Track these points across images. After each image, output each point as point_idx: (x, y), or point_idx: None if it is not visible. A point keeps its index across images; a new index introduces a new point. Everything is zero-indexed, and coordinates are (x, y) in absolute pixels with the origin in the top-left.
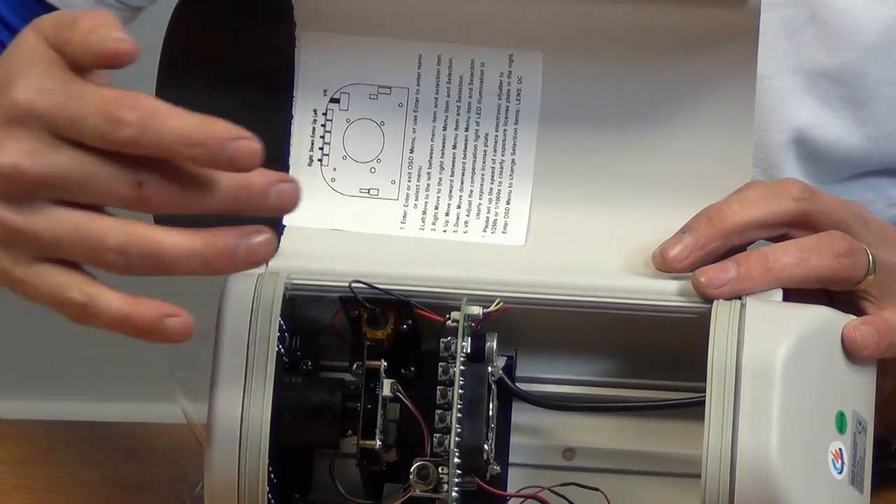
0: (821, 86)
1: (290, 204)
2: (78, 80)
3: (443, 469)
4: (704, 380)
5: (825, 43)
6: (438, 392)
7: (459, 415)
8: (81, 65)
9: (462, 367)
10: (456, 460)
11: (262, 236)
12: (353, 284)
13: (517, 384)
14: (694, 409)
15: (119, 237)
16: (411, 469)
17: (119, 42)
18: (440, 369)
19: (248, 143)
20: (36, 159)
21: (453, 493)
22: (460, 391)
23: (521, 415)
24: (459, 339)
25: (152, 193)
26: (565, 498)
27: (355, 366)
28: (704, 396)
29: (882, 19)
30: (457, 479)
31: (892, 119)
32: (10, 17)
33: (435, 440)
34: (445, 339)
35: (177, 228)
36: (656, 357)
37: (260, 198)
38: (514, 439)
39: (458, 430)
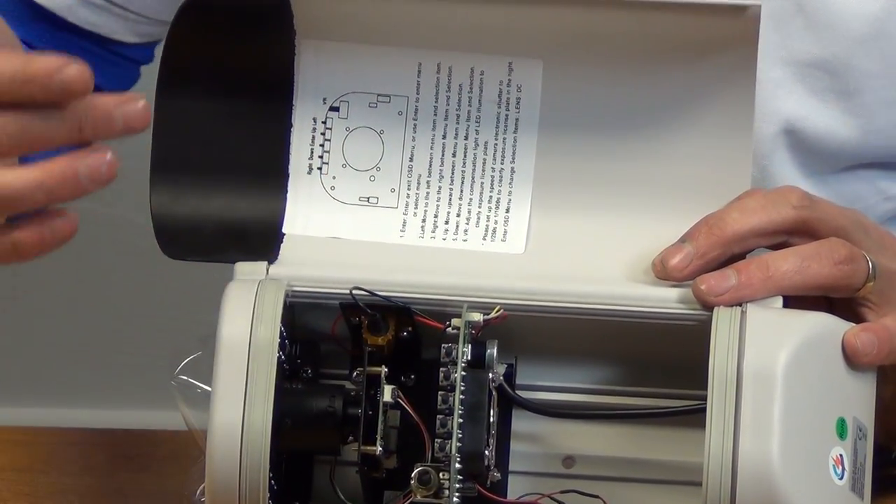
0: (810, 76)
1: (140, 123)
2: None
3: (444, 475)
4: (704, 387)
5: (813, 34)
6: (439, 397)
7: (460, 420)
8: None
9: (463, 373)
10: (457, 466)
11: (96, 154)
12: (354, 291)
13: (517, 392)
14: (694, 417)
15: None
16: (412, 474)
17: None
18: (441, 375)
19: (77, 67)
20: None
21: (454, 499)
22: (461, 397)
23: (522, 422)
24: (461, 345)
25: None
26: None
27: (356, 373)
28: (705, 404)
29: (870, 11)
30: (458, 485)
31: (883, 110)
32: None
33: (436, 445)
34: (446, 345)
35: (21, 164)
36: (656, 364)
37: (106, 121)
38: (514, 447)
39: (459, 435)
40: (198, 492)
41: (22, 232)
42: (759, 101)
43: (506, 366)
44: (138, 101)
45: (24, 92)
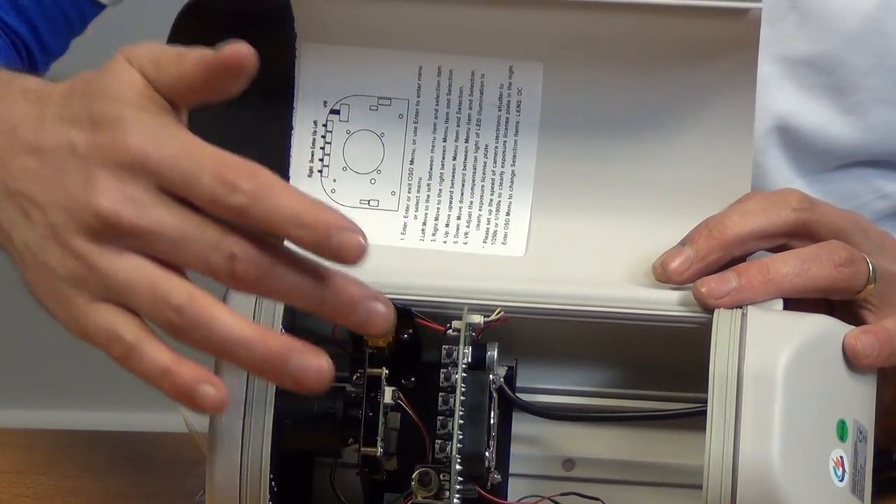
0: (802, 73)
1: (378, 326)
2: (189, 134)
3: (444, 476)
4: (705, 390)
5: (807, 31)
6: (440, 398)
7: (461, 421)
8: (181, 105)
9: (464, 375)
10: (457, 467)
11: (317, 361)
12: None
13: (517, 394)
14: (694, 420)
15: (182, 297)
16: (413, 475)
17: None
18: (442, 376)
19: (357, 236)
20: (138, 210)
21: (455, 500)
22: (462, 398)
23: (522, 425)
24: (461, 346)
25: (241, 269)
26: None
27: (356, 376)
28: (705, 406)
29: (864, 8)
30: (458, 487)
31: (875, 108)
32: None
33: (436, 447)
34: (447, 347)
35: (239, 315)
36: (657, 367)
37: (348, 308)
38: (515, 449)
39: (460, 436)
40: (199, 494)
41: (181, 372)
42: None
43: (506, 368)
44: (384, 303)
45: (295, 234)
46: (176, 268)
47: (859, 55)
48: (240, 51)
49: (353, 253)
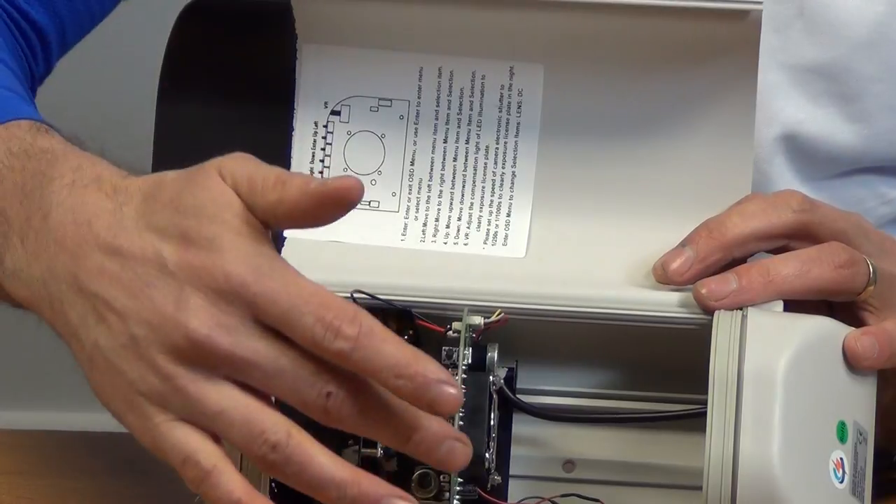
0: (808, 81)
1: (456, 464)
2: (288, 266)
3: (444, 477)
4: (705, 391)
5: (813, 38)
6: None
7: (461, 423)
8: (273, 227)
9: (464, 376)
10: None
11: None
12: (355, 294)
13: (518, 395)
14: (694, 421)
15: (280, 435)
16: (413, 477)
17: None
18: None
19: (454, 391)
20: (232, 338)
21: (454, 501)
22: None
23: (522, 426)
24: (461, 348)
25: (335, 407)
26: None
27: None
28: (705, 408)
29: (871, 15)
30: (458, 488)
31: (881, 115)
32: None
33: None
34: (447, 348)
35: (333, 455)
36: (657, 368)
37: (431, 447)
38: (515, 451)
39: None
40: (197, 497)
41: None
42: (757, 105)
43: (506, 369)
44: (464, 442)
45: (393, 383)
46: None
47: (866, 62)
48: (351, 185)
49: (448, 405)
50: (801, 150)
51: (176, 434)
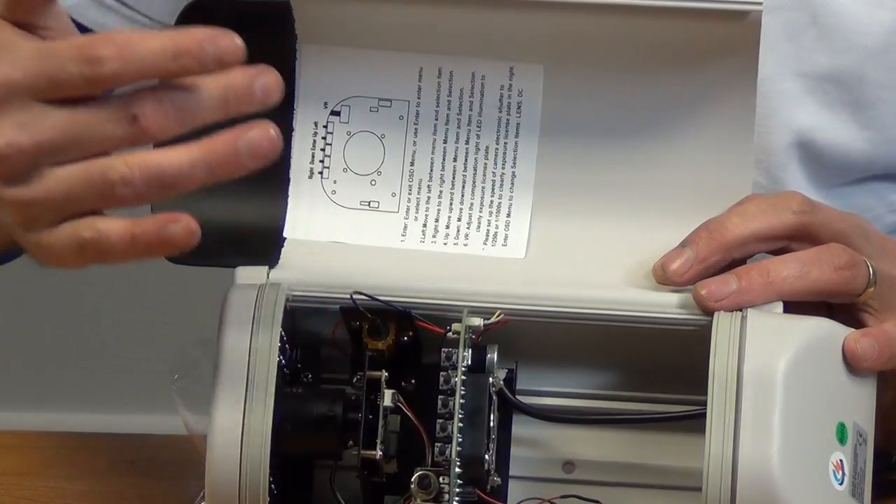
0: (822, 88)
1: (275, 94)
2: (44, 40)
3: (444, 479)
4: (704, 393)
5: (826, 45)
6: (440, 401)
7: (461, 424)
8: (37, 22)
9: (463, 377)
10: (457, 470)
11: (258, 129)
12: (355, 295)
13: (517, 397)
14: (694, 422)
15: (121, 169)
16: (412, 478)
17: None
18: (441, 378)
19: (228, 37)
20: (28, 130)
21: (454, 503)
22: (461, 401)
23: (522, 427)
24: (461, 349)
25: (148, 123)
26: None
27: (356, 378)
28: (705, 409)
29: (884, 22)
30: (458, 489)
31: (894, 122)
32: None
33: (436, 449)
34: (447, 349)
35: (175, 145)
36: (656, 370)
37: (247, 95)
38: (515, 452)
39: (459, 439)
40: (198, 497)
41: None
42: (770, 113)
43: (506, 371)
44: (270, 72)
45: (176, 66)
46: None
47: (879, 70)
48: None
49: (231, 50)
50: (814, 158)
51: (61, 235)
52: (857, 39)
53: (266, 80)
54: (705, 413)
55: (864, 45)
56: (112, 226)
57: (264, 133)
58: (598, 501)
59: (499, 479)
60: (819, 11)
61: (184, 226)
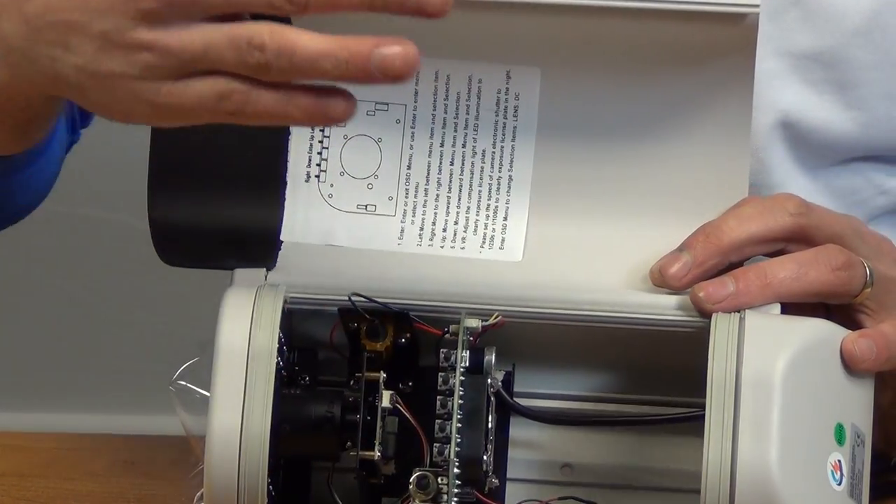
0: (806, 68)
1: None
2: None
3: (442, 479)
4: (702, 395)
5: (809, 26)
6: (438, 402)
7: (459, 425)
8: None
9: (462, 378)
10: (455, 471)
11: (398, 45)
12: (353, 297)
13: (515, 399)
14: (692, 425)
15: (263, 34)
16: (411, 479)
17: None
18: (440, 379)
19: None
20: None
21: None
22: (460, 401)
23: (519, 430)
24: (459, 350)
25: None
26: None
27: (353, 381)
28: (703, 411)
29: (866, 3)
30: (456, 490)
31: (879, 102)
32: None
33: (434, 450)
34: (445, 350)
35: (311, 33)
36: (654, 372)
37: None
38: (512, 454)
39: (458, 439)
40: (195, 497)
41: (299, 97)
42: (755, 93)
43: (503, 373)
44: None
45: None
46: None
47: (862, 50)
48: None
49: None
50: (798, 138)
51: (194, 86)
52: (839, 20)
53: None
54: (703, 415)
55: (847, 26)
56: (263, 89)
57: (401, 52)
58: (595, 503)
59: (497, 481)
60: None
61: (346, 104)
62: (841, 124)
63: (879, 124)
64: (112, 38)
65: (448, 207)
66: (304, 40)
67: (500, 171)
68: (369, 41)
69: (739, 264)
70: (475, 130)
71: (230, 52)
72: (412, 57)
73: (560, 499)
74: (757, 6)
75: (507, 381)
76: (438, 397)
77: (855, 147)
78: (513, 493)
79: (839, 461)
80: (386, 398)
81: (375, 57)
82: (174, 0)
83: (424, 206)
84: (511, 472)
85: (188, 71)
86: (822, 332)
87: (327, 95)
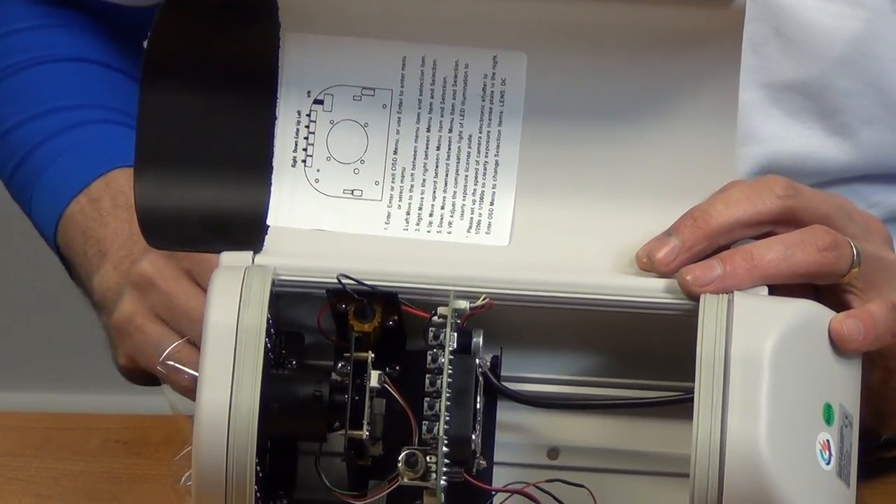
0: (787, 98)
1: None
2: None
3: (431, 458)
4: (690, 378)
5: (791, 57)
6: (427, 380)
7: (448, 403)
8: None
9: (450, 357)
10: (444, 449)
11: None
12: (341, 277)
13: (502, 383)
14: (680, 408)
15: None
16: (399, 457)
17: None
18: (429, 358)
19: None
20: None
21: (441, 481)
22: (448, 380)
23: (507, 413)
24: (448, 329)
25: None
26: (551, 494)
27: (340, 365)
28: (691, 394)
29: (847, 33)
30: (444, 469)
31: (862, 129)
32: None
33: (423, 428)
34: (434, 329)
35: None
36: (642, 355)
37: None
38: (499, 438)
39: (447, 417)
40: (183, 478)
41: None
42: (736, 124)
43: (491, 356)
44: None
45: None
46: None
47: (845, 78)
48: None
49: None
50: (783, 168)
51: (153, 326)
52: (822, 50)
53: None
54: (692, 398)
55: (829, 56)
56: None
57: None
58: (583, 486)
59: (484, 463)
60: (781, 23)
61: None
62: (826, 151)
63: (865, 148)
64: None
65: (434, 192)
66: None
67: (486, 156)
68: None
69: (727, 247)
70: (462, 115)
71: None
72: None
73: (547, 481)
74: None
75: (495, 365)
76: (427, 376)
77: (842, 172)
78: (500, 477)
79: (828, 441)
80: (374, 378)
81: None
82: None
83: (411, 190)
84: (498, 456)
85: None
86: (810, 312)
87: None
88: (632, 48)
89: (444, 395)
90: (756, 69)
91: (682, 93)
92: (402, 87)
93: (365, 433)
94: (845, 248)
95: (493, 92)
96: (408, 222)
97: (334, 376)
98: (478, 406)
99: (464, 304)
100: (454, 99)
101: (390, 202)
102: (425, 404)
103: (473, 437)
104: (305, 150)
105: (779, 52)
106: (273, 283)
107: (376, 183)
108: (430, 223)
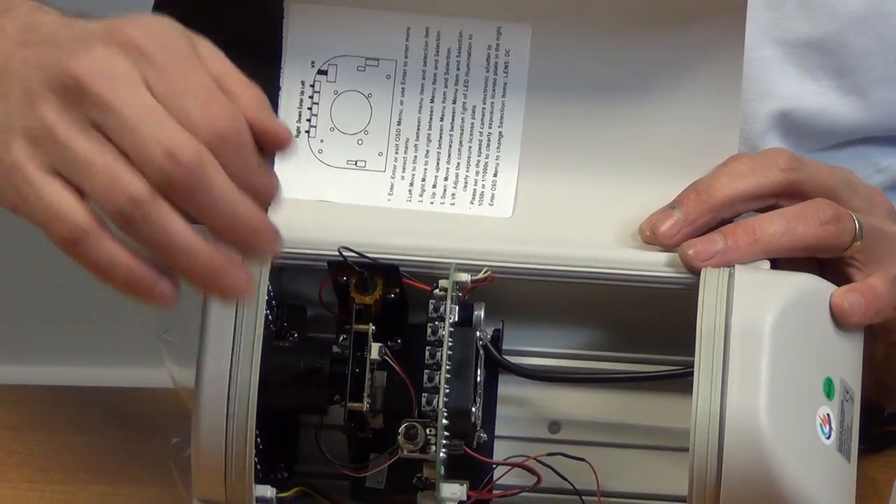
0: (802, 55)
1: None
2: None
3: (430, 430)
4: (691, 352)
5: (807, 14)
6: (427, 352)
7: (448, 376)
8: None
9: (451, 329)
10: (444, 421)
11: (245, 278)
12: (342, 250)
13: (504, 356)
14: (680, 382)
15: (143, 192)
16: (399, 429)
17: None
18: (429, 330)
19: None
20: (112, 85)
21: (441, 454)
22: (448, 352)
23: (508, 387)
24: (448, 301)
25: (180, 167)
26: (551, 468)
27: (342, 338)
28: (691, 368)
29: None
30: (444, 441)
31: (876, 88)
32: None
33: (423, 400)
34: (434, 301)
35: (190, 227)
36: (643, 329)
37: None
38: (501, 411)
39: (447, 390)
40: (185, 451)
41: (134, 264)
42: (750, 81)
43: (492, 330)
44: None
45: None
46: None
47: (861, 36)
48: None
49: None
50: (796, 124)
51: (50, 186)
52: (839, 7)
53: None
54: (692, 372)
55: (845, 13)
56: (108, 240)
57: (245, 281)
58: (583, 459)
59: (485, 436)
60: None
61: (172, 290)
62: (839, 110)
63: (877, 108)
64: (29, 93)
65: (438, 163)
66: (178, 226)
67: (490, 128)
68: (235, 267)
69: (730, 220)
70: (465, 87)
71: (102, 182)
72: (244, 292)
73: (548, 455)
74: None
75: (496, 339)
76: (427, 348)
77: (853, 131)
78: (501, 450)
79: (828, 415)
80: (375, 350)
81: (225, 279)
82: (84, 88)
83: (414, 161)
84: (499, 430)
85: (61, 171)
86: (811, 286)
87: (160, 273)
88: (635, 22)
89: (444, 367)
90: (772, 26)
91: (685, 65)
92: (406, 57)
93: (365, 405)
94: (847, 222)
95: (496, 63)
96: (411, 193)
97: (335, 348)
98: (478, 379)
99: (465, 277)
100: (458, 70)
101: (394, 173)
102: (425, 376)
103: (473, 409)
104: (309, 120)
105: (795, 9)
106: (274, 255)
107: (380, 154)
108: (434, 194)
